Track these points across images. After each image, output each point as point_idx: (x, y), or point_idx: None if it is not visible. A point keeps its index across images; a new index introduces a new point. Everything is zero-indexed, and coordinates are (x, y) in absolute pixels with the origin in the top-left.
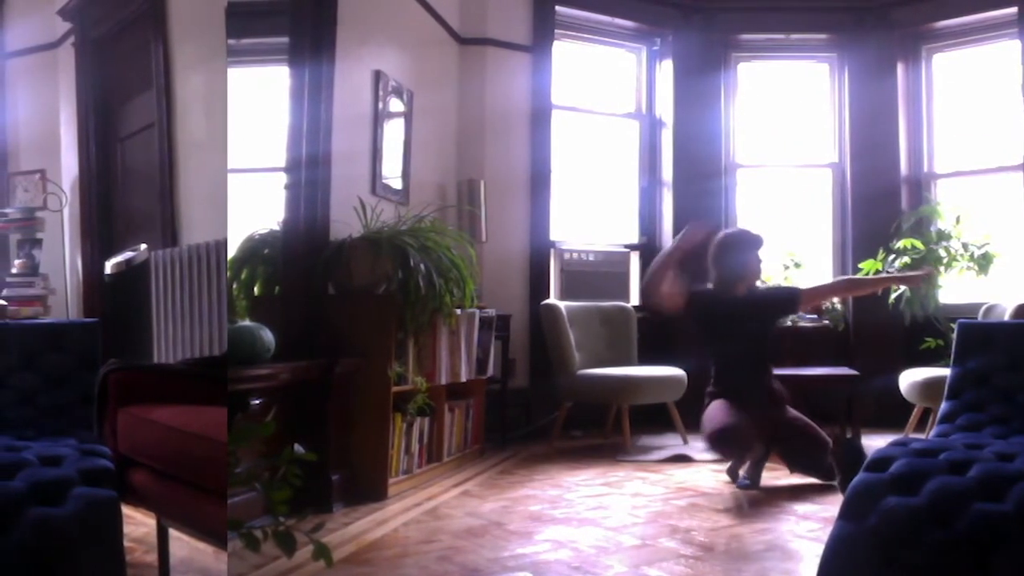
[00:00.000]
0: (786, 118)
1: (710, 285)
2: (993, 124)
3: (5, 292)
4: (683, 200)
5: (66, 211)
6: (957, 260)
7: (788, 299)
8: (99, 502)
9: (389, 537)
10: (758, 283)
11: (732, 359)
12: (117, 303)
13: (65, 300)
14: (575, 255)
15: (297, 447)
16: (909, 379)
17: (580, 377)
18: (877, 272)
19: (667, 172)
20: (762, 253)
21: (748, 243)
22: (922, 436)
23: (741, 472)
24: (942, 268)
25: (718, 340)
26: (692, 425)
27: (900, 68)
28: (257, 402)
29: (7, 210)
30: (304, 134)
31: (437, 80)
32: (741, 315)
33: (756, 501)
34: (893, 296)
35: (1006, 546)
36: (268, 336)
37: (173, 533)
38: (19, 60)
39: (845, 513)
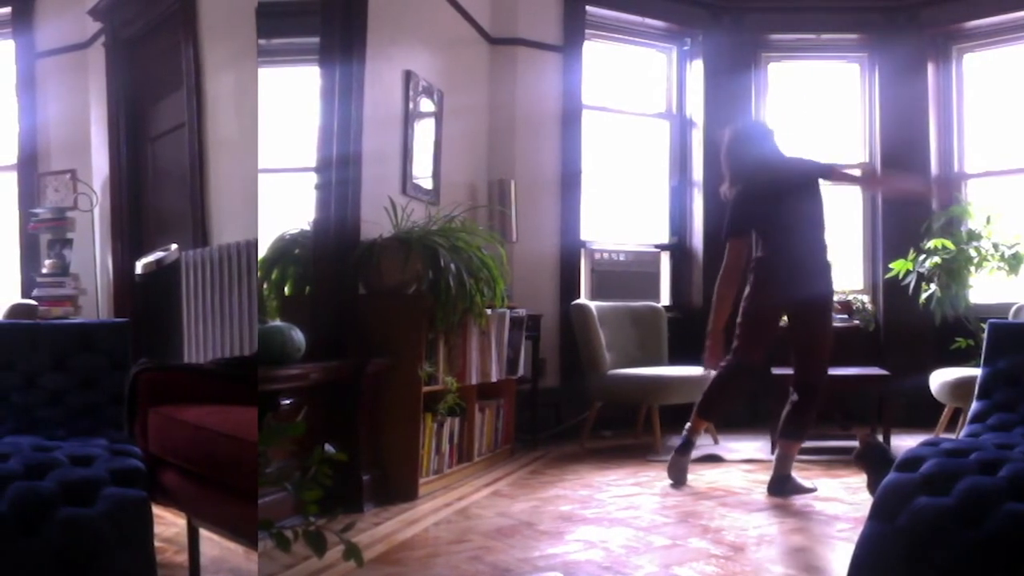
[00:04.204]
0: (816, 118)
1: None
2: None
3: (36, 292)
4: (714, 200)
5: (96, 211)
6: (988, 260)
7: (822, 164)
8: (130, 502)
9: (420, 537)
10: None
11: (786, 226)
12: (147, 303)
13: (95, 300)
14: (605, 255)
15: (328, 447)
16: (939, 379)
17: (610, 377)
18: (907, 272)
19: (697, 172)
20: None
21: (762, 134)
22: (952, 436)
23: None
24: (972, 268)
25: (768, 206)
26: (722, 425)
27: (931, 68)
28: (287, 402)
29: (38, 210)
30: (335, 134)
31: (468, 80)
32: (783, 180)
33: (787, 501)
34: (924, 296)
35: None
36: (298, 336)
37: (204, 533)
38: (50, 60)
39: (875, 513)
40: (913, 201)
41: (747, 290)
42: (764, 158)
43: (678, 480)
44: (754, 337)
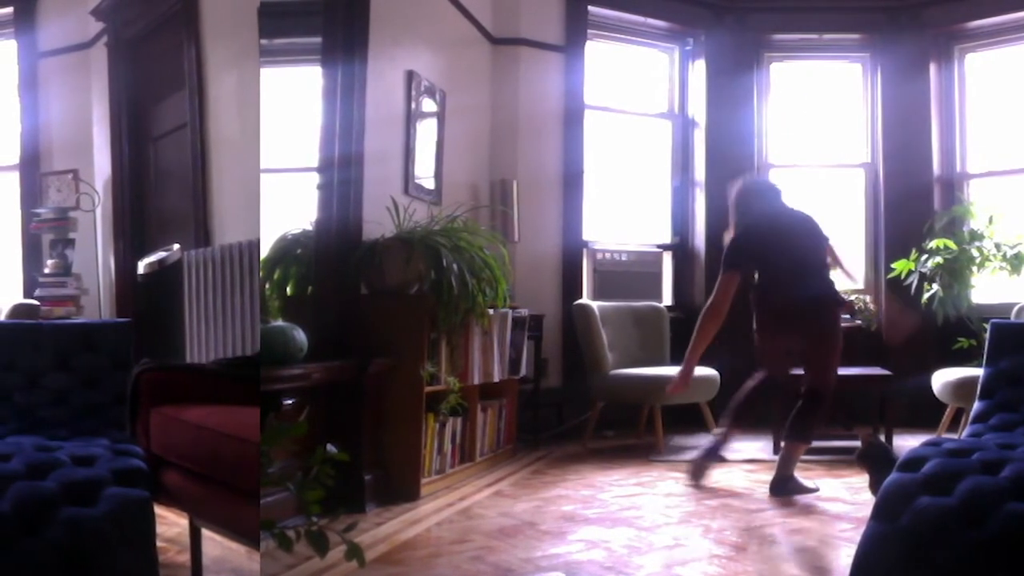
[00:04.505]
0: (819, 118)
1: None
2: None
3: (38, 292)
4: (716, 200)
5: (99, 211)
6: (990, 260)
7: (824, 234)
8: (132, 502)
9: (422, 537)
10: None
11: (788, 269)
12: (150, 303)
13: (98, 300)
14: (608, 255)
15: (330, 447)
16: (942, 379)
17: (613, 377)
18: (910, 272)
19: (700, 172)
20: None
21: (769, 191)
22: (955, 436)
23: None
24: (975, 268)
25: (772, 256)
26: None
27: (933, 68)
28: (290, 402)
29: (40, 210)
30: (337, 134)
31: (470, 80)
32: (786, 226)
33: (789, 501)
34: (926, 296)
35: None
36: (301, 336)
37: (206, 533)
38: (52, 60)
39: (878, 513)
40: (915, 202)
41: (755, 320)
42: (769, 209)
43: (697, 479)
44: (775, 358)
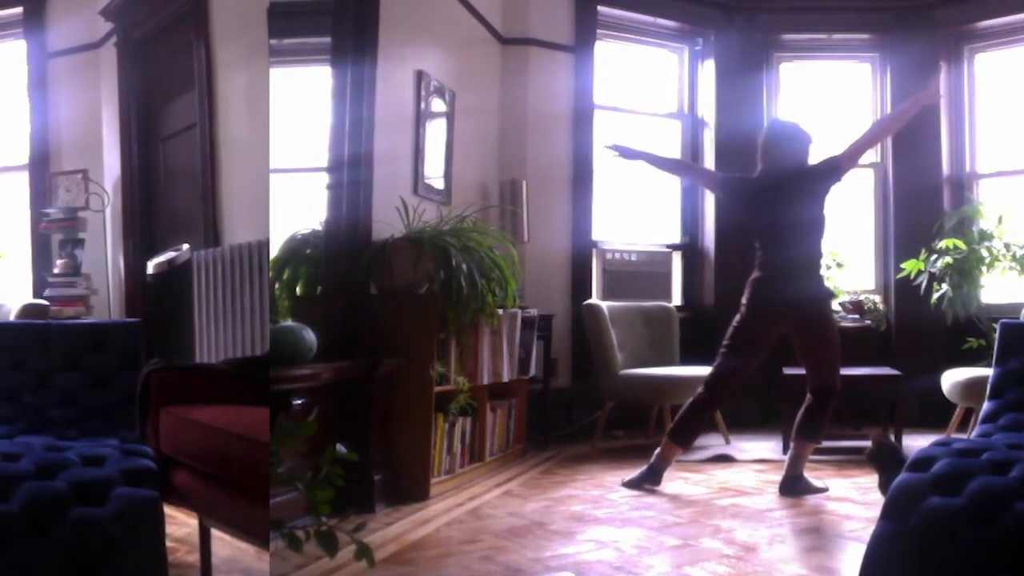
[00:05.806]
0: (828, 118)
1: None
2: None
3: (47, 292)
4: (724, 201)
5: (108, 211)
6: (999, 260)
7: (829, 164)
8: (141, 502)
9: (431, 537)
10: None
11: (780, 237)
12: (159, 303)
13: (107, 300)
14: (617, 255)
15: (339, 447)
16: (951, 379)
17: (622, 377)
18: (919, 272)
19: None
20: (812, 149)
21: (798, 136)
22: (964, 436)
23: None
24: (984, 268)
25: (762, 217)
26: (734, 425)
27: (942, 68)
28: (299, 402)
29: (50, 210)
30: (346, 134)
31: (479, 80)
32: (786, 188)
33: (798, 501)
34: (935, 296)
35: None
36: (310, 336)
37: (215, 533)
38: (61, 60)
39: (887, 513)
40: (925, 201)
41: (744, 306)
42: (783, 163)
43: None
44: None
